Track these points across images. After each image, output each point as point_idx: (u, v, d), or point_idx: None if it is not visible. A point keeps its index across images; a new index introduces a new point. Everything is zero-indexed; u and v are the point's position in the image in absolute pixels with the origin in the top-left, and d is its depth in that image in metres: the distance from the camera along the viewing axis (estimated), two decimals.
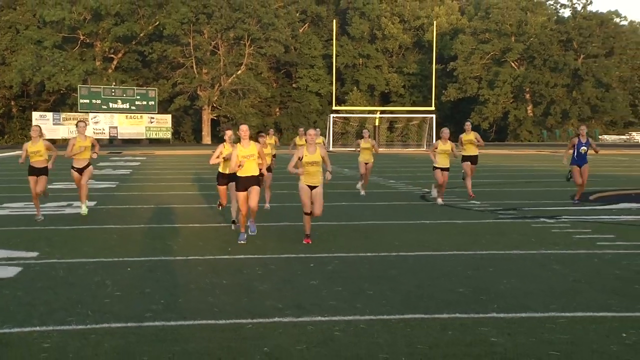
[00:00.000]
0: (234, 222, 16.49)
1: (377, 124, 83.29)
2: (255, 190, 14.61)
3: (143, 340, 7.93)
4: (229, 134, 16.82)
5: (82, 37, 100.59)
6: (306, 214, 14.60)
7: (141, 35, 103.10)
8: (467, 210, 20.31)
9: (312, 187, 14.51)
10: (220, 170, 16.89)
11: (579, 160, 21.55)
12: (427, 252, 13.64)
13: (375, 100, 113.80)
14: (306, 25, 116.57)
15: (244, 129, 14.70)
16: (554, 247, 14.15)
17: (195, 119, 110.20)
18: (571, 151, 21.97)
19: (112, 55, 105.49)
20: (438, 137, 22.21)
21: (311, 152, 14.57)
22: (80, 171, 18.70)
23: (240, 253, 13.52)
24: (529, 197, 24.03)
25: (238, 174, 14.61)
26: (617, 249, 13.72)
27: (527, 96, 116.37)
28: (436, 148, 21.47)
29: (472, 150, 23.67)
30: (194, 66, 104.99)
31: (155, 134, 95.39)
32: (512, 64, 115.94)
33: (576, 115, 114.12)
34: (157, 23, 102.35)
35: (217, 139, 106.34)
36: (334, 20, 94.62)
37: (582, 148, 21.40)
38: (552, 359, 7.27)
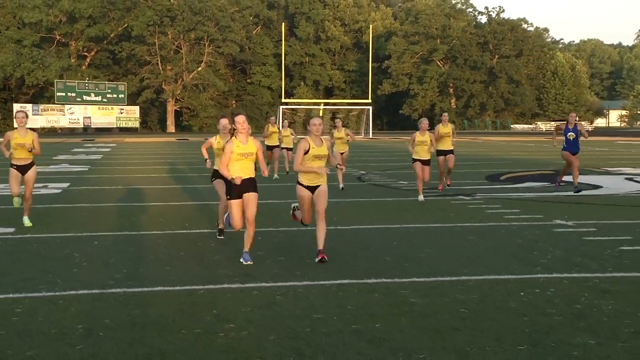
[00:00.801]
0: (220, 231, 12.36)
1: (321, 114, 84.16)
2: (252, 198, 10.24)
3: (106, 305, 7.84)
4: (223, 123, 12.92)
5: (58, 37, 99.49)
6: (304, 224, 11.10)
7: (112, 35, 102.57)
8: (397, 189, 20.40)
9: (314, 188, 10.52)
10: (215, 167, 12.62)
11: (569, 147, 18.97)
12: (361, 225, 13.68)
13: (319, 94, 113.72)
14: (259, 27, 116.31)
15: (241, 121, 10.23)
16: (469, 220, 14.30)
17: (160, 110, 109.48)
18: (560, 137, 19.44)
19: (85, 54, 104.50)
20: (416, 129, 17.77)
21: (318, 144, 10.51)
22: (23, 170, 13.49)
23: (196, 228, 13.44)
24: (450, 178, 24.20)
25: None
26: (521, 222, 13.89)
27: (451, 90, 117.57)
28: (414, 140, 17.48)
29: (447, 145, 19.85)
30: (159, 63, 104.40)
31: (125, 124, 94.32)
32: (438, 62, 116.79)
33: (492, 107, 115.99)
34: (126, 25, 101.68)
35: (180, 127, 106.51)
36: (283, 24, 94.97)
37: (569, 134, 18.80)
38: (462, 315, 7.33)
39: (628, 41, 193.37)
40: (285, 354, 6.18)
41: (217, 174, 12.28)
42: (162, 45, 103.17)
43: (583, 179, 23.80)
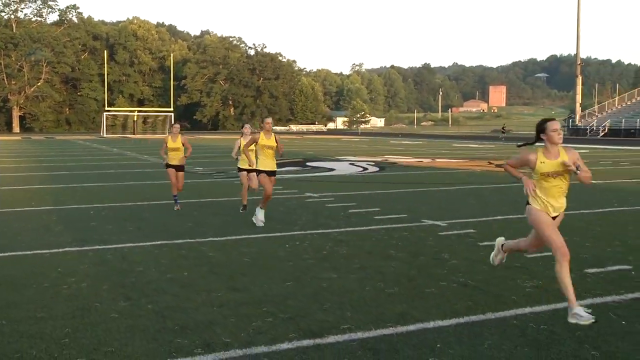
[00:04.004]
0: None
1: (135, 119, 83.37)
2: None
3: None
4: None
5: None
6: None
7: None
8: (194, 173, 19.99)
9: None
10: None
11: None
12: (165, 201, 12.81)
13: (134, 104, 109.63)
14: (86, 53, 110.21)
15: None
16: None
17: (7, 115, 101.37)
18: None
19: None
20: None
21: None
22: None
23: (41, 205, 12.45)
24: (231, 164, 24.06)
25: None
26: (284, 195, 13.90)
27: (230, 102, 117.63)
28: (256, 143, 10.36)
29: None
30: (5, 79, 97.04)
31: None
32: (221, 82, 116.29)
33: (259, 115, 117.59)
34: None
35: (24, 129, 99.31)
36: (105, 51, 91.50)
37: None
38: (247, 263, 7.23)
39: (346, 71, 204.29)
40: (117, 298, 5.84)
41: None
42: (7, 65, 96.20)
43: (321, 164, 24.52)
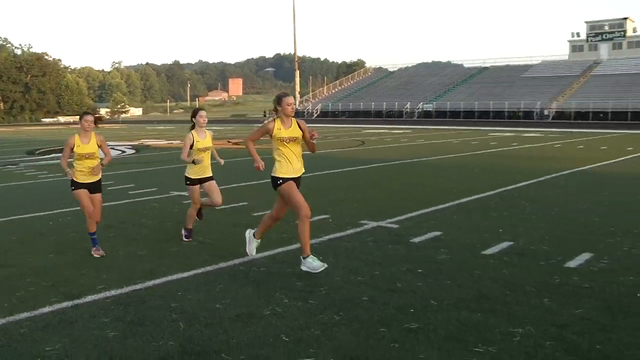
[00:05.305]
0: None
1: None
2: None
3: None
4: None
5: None
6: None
7: None
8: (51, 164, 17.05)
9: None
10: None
11: None
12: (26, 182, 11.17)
13: None
14: None
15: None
16: (16, 180, 12.66)
17: None
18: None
19: None
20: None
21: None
22: None
23: None
24: None
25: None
26: (48, 179, 12.72)
27: (0, 98, 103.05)
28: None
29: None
30: None
31: None
32: None
33: (29, 109, 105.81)
34: None
35: None
36: None
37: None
38: (74, 233, 6.54)
39: (107, 68, 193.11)
40: None
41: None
42: None
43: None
